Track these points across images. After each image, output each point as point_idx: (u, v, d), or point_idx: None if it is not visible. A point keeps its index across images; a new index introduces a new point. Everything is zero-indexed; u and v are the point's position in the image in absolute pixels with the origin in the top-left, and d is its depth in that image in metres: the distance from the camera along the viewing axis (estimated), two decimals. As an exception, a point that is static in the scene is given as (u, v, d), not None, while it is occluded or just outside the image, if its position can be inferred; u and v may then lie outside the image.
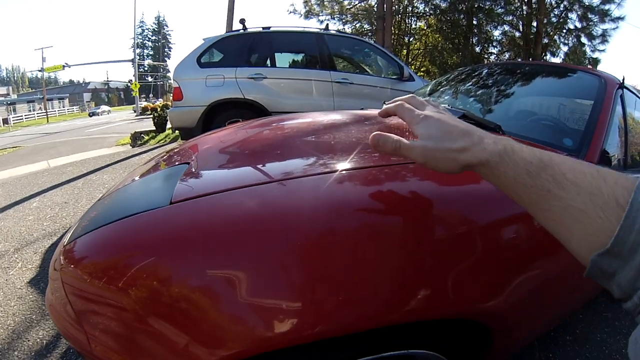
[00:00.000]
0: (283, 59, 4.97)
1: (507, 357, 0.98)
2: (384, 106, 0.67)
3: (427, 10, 14.20)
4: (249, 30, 4.55)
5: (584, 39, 12.71)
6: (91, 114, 39.11)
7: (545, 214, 0.44)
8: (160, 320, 0.62)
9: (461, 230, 0.69)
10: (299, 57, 5.14)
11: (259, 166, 0.89)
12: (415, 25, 15.56)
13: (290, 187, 0.74)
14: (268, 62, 4.60)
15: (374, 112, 1.71)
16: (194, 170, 0.93)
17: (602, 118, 1.25)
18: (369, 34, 13.70)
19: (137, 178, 1.05)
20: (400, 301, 0.66)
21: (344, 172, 0.78)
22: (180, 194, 0.75)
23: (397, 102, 0.64)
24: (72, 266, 0.73)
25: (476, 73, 2.06)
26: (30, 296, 2.00)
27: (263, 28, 4.59)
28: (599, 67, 13.19)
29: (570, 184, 0.41)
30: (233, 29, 8.06)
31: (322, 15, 13.65)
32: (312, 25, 14.74)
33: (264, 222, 0.65)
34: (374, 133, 0.59)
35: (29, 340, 1.65)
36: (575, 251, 0.42)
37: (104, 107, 44.32)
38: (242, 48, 4.45)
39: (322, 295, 0.61)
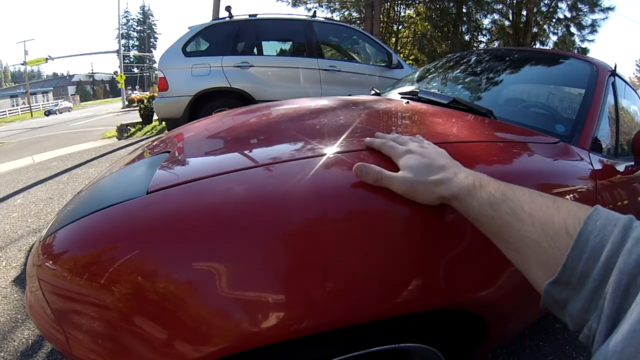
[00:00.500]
0: (270, 47, 4.92)
1: (497, 347, 0.97)
2: (367, 140, 0.74)
3: (416, -2, 14.15)
4: (235, 17, 4.48)
5: (573, 29, 12.81)
6: (47, 113, 33.07)
7: (506, 244, 0.48)
8: (139, 317, 0.58)
9: (453, 219, 0.66)
10: (286, 45, 5.07)
11: (242, 152, 0.85)
12: (404, 13, 15.49)
13: (275, 172, 0.70)
14: (255, 50, 4.54)
15: (361, 97, 1.70)
16: (174, 158, 0.89)
17: (594, 105, 1.24)
18: (358, 21, 13.59)
19: (115, 170, 1.01)
20: (391, 293, 0.63)
21: (332, 156, 0.74)
22: (157, 183, 0.71)
23: (383, 140, 0.71)
24: (47, 262, 0.69)
25: (465, 60, 2.04)
26: (15, 295, 1.96)
27: (250, 15, 4.52)
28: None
29: (527, 216, 0.44)
30: (219, 17, 7.95)
31: (310, 3, 13.53)
32: (300, 13, 14.59)
33: (246, 209, 0.62)
34: (357, 164, 0.63)
35: (14, 341, 1.61)
36: (533, 281, 0.44)
37: (65, 103, 38.21)
38: (228, 36, 4.37)
39: (310, 287, 0.58)
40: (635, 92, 1.90)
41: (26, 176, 4.63)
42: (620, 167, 1.24)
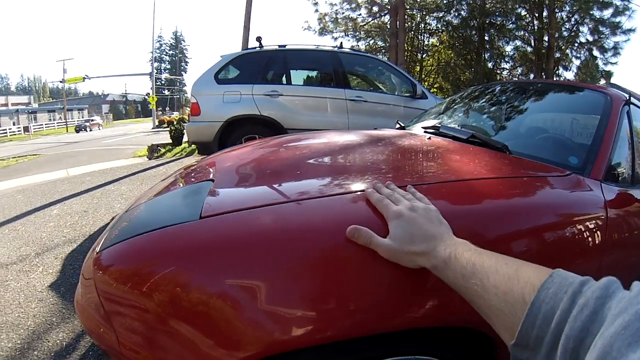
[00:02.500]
0: (298, 76, 5.07)
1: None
2: (368, 191, 0.80)
3: (440, 26, 14.39)
4: (265, 47, 4.67)
5: (596, 52, 12.69)
6: (77, 129, 35.44)
7: (480, 311, 0.53)
8: (188, 325, 0.69)
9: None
10: (313, 75, 5.24)
11: (279, 185, 0.97)
12: (428, 41, 15.75)
13: (307, 206, 0.82)
14: (284, 79, 4.71)
15: (387, 132, 1.79)
16: (218, 187, 1.01)
17: (607, 136, 1.26)
18: (382, 50, 13.86)
19: (163, 192, 1.14)
20: (406, 308, 0.72)
21: (356, 192, 0.86)
22: (209, 209, 0.83)
23: (379, 197, 0.76)
24: (106, 272, 0.80)
25: (488, 91, 2.11)
26: (51, 299, 2.08)
27: (279, 46, 4.71)
28: (612, 80, 13.08)
29: (492, 287, 0.50)
30: (248, 45, 8.25)
31: (336, 32, 13.91)
32: (326, 41, 14.98)
33: (282, 238, 0.73)
34: (351, 227, 0.70)
35: (48, 341, 1.71)
36: (505, 341, 0.48)
37: (96, 119, 42.19)
38: (258, 65, 4.56)
39: (332, 302, 0.68)
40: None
41: (62, 188, 4.88)
42: (637, 195, 1.24)
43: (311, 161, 1.20)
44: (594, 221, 0.98)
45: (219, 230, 0.77)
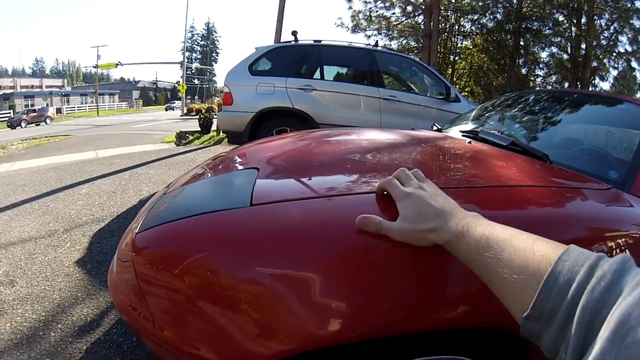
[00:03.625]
0: (332, 72, 5.05)
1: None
2: (380, 183, 0.77)
3: (474, 29, 14.13)
4: (300, 42, 4.66)
5: (634, 63, 12.33)
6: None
7: (492, 285, 0.52)
8: (228, 311, 0.68)
9: None
10: (348, 72, 5.20)
11: (326, 178, 0.97)
12: (462, 44, 15.46)
13: (353, 201, 0.81)
14: (317, 74, 4.68)
15: (427, 133, 1.77)
16: (265, 176, 0.99)
17: None
18: (415, 51, 13.69)
19: (203, 177, 1.12)
20: (439, 309, 0.70)
21: None
22: (259, 196, 0.81)
23: (388, 178, 0.75)
24: (149, 253, 0.79)
25: (522, 99, 2.08)
26: (77, 275, 2.10)
27: (314, 41, 4.69)
28: (650, 94, 12.62)
29: (506, 260, 0.49)
30: (281, 38, 8.27)
31: (369, 31, 13.83)
32: (359, 39, 14.89)
33: (331, 230, 0.72)
34: (360, 216, 0.69)
35: (73, 316, 1.72)
36: (515, 316, 0.48)
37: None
38: (293, 59, 4.55)
39: (367, 299, 0.67)
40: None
41: (91, 169, 4.98)
42: None
43: (356, 157, 1.18)
44: (633, 236, 0.95)
45: (272, 218, 0.75)
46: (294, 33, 4.67)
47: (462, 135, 1.64)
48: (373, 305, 0.66)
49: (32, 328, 1.62)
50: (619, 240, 0.92)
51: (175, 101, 47.68)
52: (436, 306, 0.70)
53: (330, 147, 1.36)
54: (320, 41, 4.69)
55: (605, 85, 13.17)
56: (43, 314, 1.73)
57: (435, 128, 2.03)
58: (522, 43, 13.25)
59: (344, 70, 5.24)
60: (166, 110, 41.44)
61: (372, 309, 0.66)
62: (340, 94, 4.46)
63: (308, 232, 0.72)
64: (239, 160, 1.29)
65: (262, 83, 4.30)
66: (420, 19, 13.25)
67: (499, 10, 12.96)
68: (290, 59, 4.54)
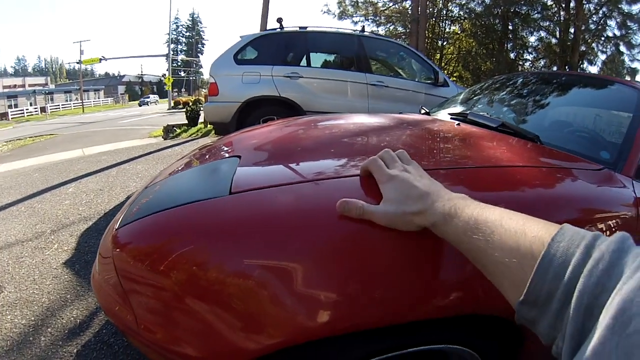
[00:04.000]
0: (318, 59, 5.00)
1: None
2: (363, 164, 0.74)
3: (462, 14, 14.02)
4: (285, 29, 4.59)
5: (622, 48, 12.26)
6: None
7: (485, 269, 0.50)
8: (211, 306, 0.65)
9: None
10: (334, 58, 5.15)
11: (311, 163, 0.93)
12: (450, 29, 15.35)
13: (339, 185, 0.78)
14: (304, 61, 4.62)
15: (415, 116, 1.75)
16: (246, 163, 0.96)
17: None
18: (403, 36, 13.60)
19: (185, 168, 1.08)
20: (434, 296, 0.68)
21: None
22: (239, 185, 0.78)
23: (371, 158, 0.72)
24: (127, 249, 0.76)
25: (511, 82, 2.07)
26: (66, 276, 2.06)
27: (300, 28, 4.63)
28: (638, 78, 12.76)
29: (497, 242, 0.46)
30: (267, 27, 8.15)
31: (356, 17, 13.68)
32: (346, 25, 14.77)
33: (313, 216, 0.69)
34: (340, 200, 0.65)
35: (62, 319, 1.69)
36: (510, 301, 0.45)
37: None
38: (278, 47, 4.49)
39: (359, 289, 0.64)
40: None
41: (77, 167, 4.89)
42: None
43: (343, 140, 1.15)
44: (624, 217, 0.96)
45: (252, 206, 0.72)
46: (279, 20, 4.61)
47: (451, 118, 1.63)
48: (364, 294, 0.64)
49: (22, 333, 1.59)
50: (612, 222, 0.92)
51: (150, 95, 47.02)
52: (429, 294, 0.68)
53: (316, 132, 1.33)
54: (305, 28, 4.63)
55: (593, 69, 13.18)
56: (32, 318, 1.69)
57: (423, 111, 2.01)
58: (510, 27, 13.19)
59: (330, 57, 5.20)
60: (140, 105, 39.33)
61: (362, 298, 0.64)
62: (327, 80, 4.42)
63: (289, 219, 0.68)
64: (222, 149, 1.25)
65: (248, 72, 4.24)
66: (407, 4, 13.12)
67: (488, -5, 12.90)
68: (276, 46, 4.48)
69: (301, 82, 4.31)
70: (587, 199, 0.94)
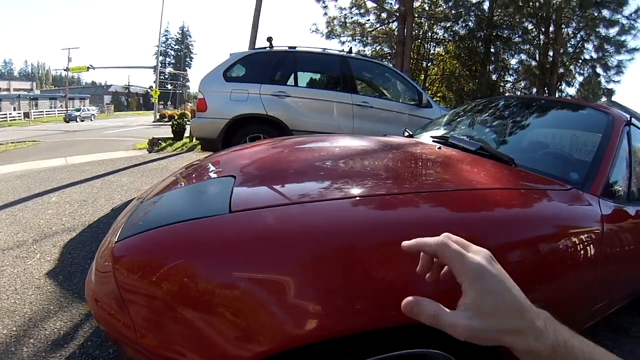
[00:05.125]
0: (306, 78, 5.08)
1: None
2: (408, 243, 0.50)
3: (447, 36, 14.42)
4: (275, 48, 4.68)
5: (599, 70, 12.67)
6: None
7: None
8: (211, 318, 0.71)
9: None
10: (321, 78, 5.24)
11: (302, 185, 1.02)
12: (434, 50, 15.77)
13: (330, 207, 0.85)
14: (291, 80, 4.70)
15: (398, 139, 1.83)
16: (242, 183, 1.03)
17: (607, 154, 1.34)
18: (388, 57, 13.88)
19: (179, 185, 1.14)
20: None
21: (378, 195, 0.89)
22: (238, 204, 0.85)
23: (440, 240, 0.48)
24: (129, 263, 0.80)
25: (492, 105, 2.18)
26: (48, 287, 2.04)
27: (289, 47, 4.71)
28: (614, 98, 13.20)
29: None
30: (256, 44, 8.26)
31: (344, 37, 13.92)
32: (333, 45, 15.00)
33: (310, 234, 0.76)
34: (409, 299, 0.47)
35: (45, 330, 1.68)
36: None
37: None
38: (267, 65, 4.56)
39: (343, 298, 0.71)
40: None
41: (60, 176, 4.83)
42: (631, 211, 1.34)
43: (329, 164, 1.22)
44: (590, 234, 1.05)
45: (252, 225, 0.79)
46: (269, 39, 4.70)
47: (433, 141, 1.71)
48: (349, 303, 0.70)
49: (3, 344, 1.57)
50: (580, 237, 1.01)
51: (88, 108, 37.69)
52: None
53: (304, 155, 1.40)
54: (295, 47, 4.72)
55: (571, 91, 13.71)
56: (14, 328, 1.67)
57: (406, 134, 2.09)
58: (492, 50, 13.64)
59: (317, 77, 5.29)
60: (66, 121, 29.57)
61: (348, 307, 0.70)
62: (313, 100, 4.49)
63: (285, 237, 0.75)
64: (214, 168, 1.32)
65: (236, 89, 4.29)
66: (394, 25, 13.41)
67: (471, 18, 13.33)
68: (264, 65, 4.56)
69: (288, 101, 4.37)
70: (558, 217, 1.02)
